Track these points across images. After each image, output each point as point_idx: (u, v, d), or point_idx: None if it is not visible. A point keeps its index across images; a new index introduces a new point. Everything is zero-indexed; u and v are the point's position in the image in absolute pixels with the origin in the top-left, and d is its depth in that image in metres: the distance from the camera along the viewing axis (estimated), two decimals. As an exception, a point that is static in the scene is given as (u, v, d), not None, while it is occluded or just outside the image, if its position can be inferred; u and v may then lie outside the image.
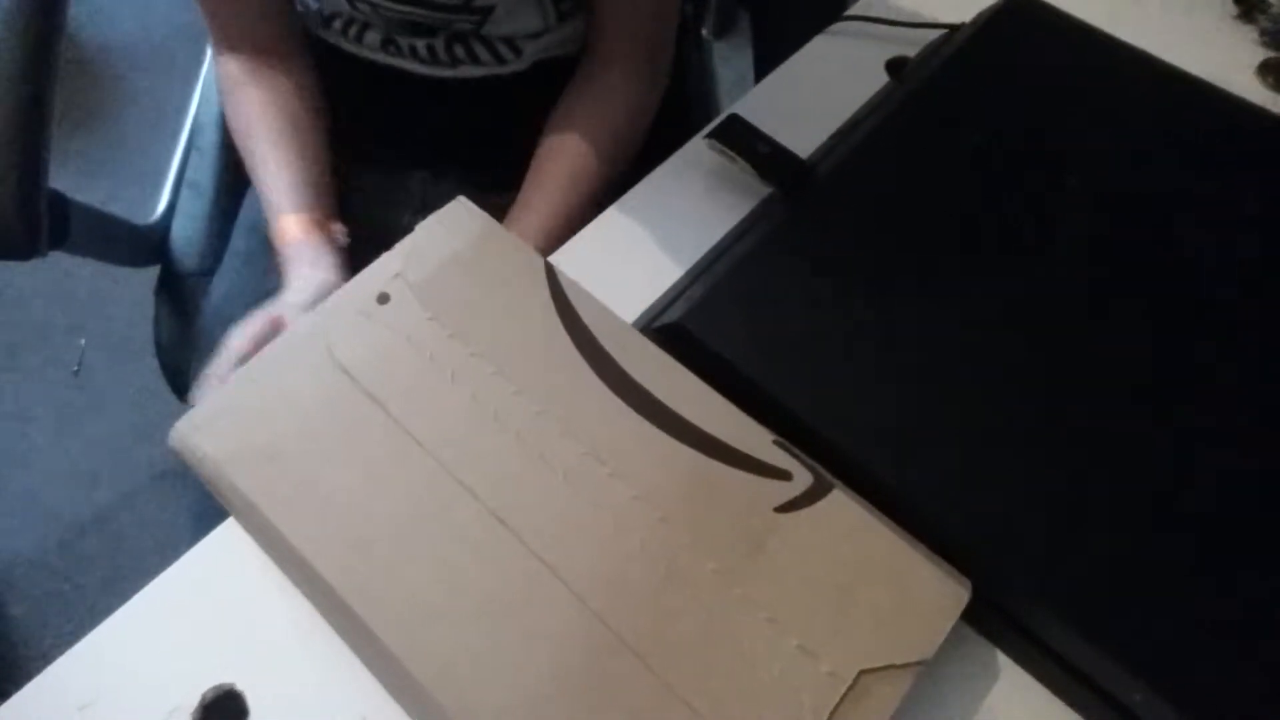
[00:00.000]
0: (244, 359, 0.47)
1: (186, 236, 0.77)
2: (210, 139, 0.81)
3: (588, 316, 0.42)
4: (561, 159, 0.62)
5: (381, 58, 0.65)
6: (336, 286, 0.50)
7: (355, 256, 0.62)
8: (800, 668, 0.33)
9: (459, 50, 0.63)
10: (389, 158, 0.70)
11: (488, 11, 0.60)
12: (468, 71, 0.65)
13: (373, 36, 0.63)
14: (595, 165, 0.62)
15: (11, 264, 0.61)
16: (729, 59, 0.96)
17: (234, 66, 0.63)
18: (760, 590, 0.35)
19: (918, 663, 0.34)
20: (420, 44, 0.63)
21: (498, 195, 0.64)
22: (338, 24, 0.63)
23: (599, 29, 0.63)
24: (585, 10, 0.63)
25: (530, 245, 0.57)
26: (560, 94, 0.65)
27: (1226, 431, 0.39)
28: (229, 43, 0.63)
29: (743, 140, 0.51)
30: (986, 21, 0.54)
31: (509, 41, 0.63)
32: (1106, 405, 0.40)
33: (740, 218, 0.51)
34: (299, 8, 0.65)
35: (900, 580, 0.35)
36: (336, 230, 0.61)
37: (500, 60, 0.65)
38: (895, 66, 0.58)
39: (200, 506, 0.61)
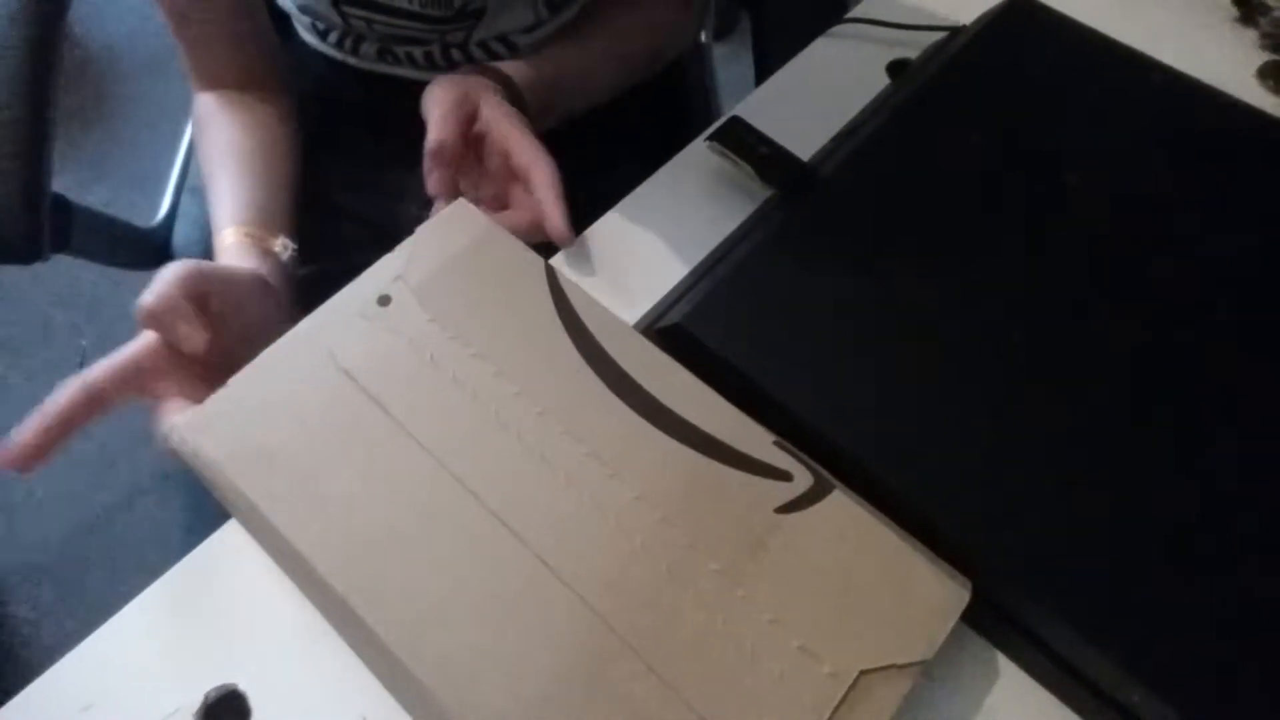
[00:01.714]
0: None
1: (188, 240, 0.77)
2: (212, 142, 0.81)
3: (588, 318, 0.42)
4: (591, 30, 0.63)
5: (380, 68, 0.65)
6: (254, 285, 0.48)
7: (357, 257, 0.62)
8: (801, 668, 0.33)
9: (455, 54, 0.63)
10: (390, 157, 0.70)
11: (479, 15, 0.60)
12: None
13: (369, 48, 0.63)
14: (628, 40, 0.63)
15: (14, 266, 0.61)
16: (729, 61, 0.96)
17: (208, 102, 0.62)
18: (761, 591, 0.35)
19: (918, 663, 0.34)
20: (417, 51, 0.63)
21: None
22: (333, 37, 0.64)
23: None
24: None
25: (542, 71, 0.58)
26: None
27: (1227, 431, 0.39)
28: (208, 77, 0.62)
29: (744, 142, 0.51)
30: (987, 24, 0.54)
31: (503, 39, 0.64)
32: (1107, 407, 0.40)
33: (741, 220, 0.51)
34: (300, 24, 0.65)
35: (901, 581, 0.36)
36: (277, 243, 0.57)
37: (496, 60, 0.65)
38: (896, 69, 0.58)
39: (201, 507, 0.61)
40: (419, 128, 0.71)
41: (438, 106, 0.50)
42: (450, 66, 0.65)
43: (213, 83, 0.62)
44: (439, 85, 0.51)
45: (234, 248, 0.54)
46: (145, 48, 1.67)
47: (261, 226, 0.56)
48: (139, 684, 0.37)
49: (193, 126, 0.65)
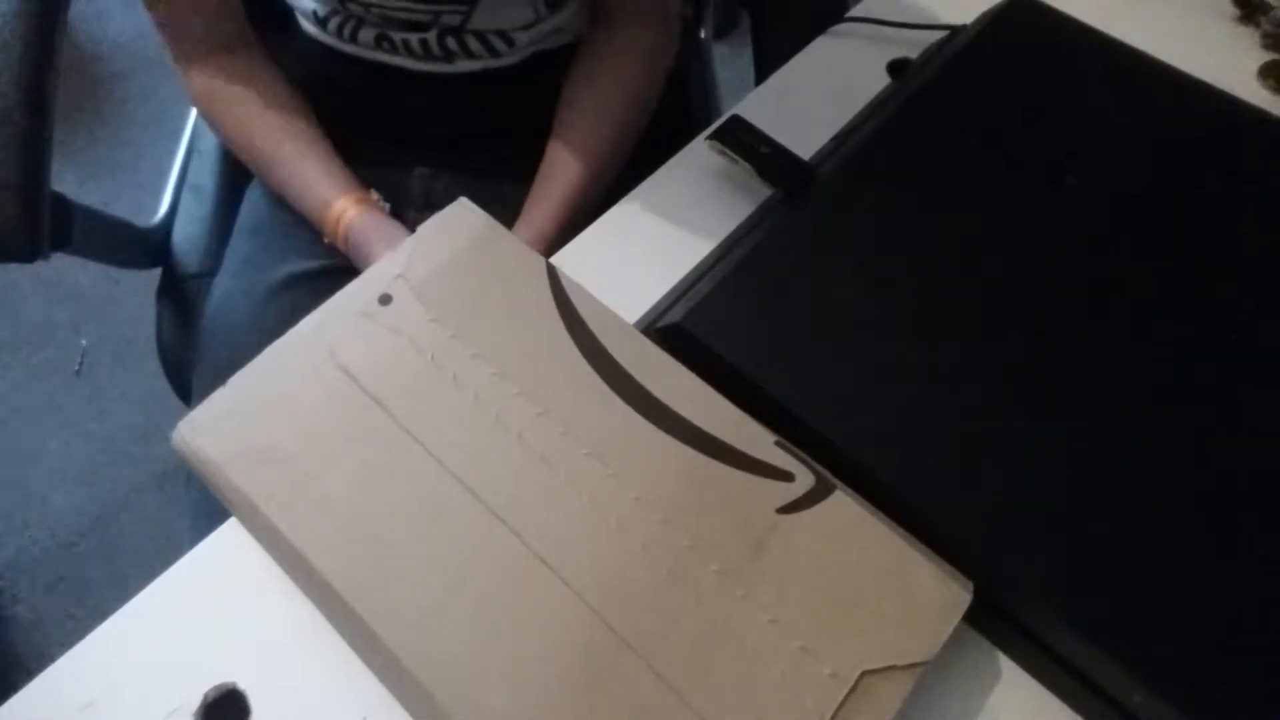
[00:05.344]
0: None
1: (188, 238, 0.77)
2: (212, 141, 0.81)
3: (589, 317, 0.42)
4: (577, 126, 0.63)
5: (377, 55, 0.65)
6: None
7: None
8: (802, 669, 0.33)
9: (451, 43, 0.63)
10: (388, 156, 0.70)
11: (474, 1, 0.60)
12: (463, 66, 0.66)
13: (367, 34, 0.63)
14: (612, 129, 0.63)
15: (13, 265, 0.61)
16: (729, 60, 0.96)
17: (204, 79, 0.63)
18: (762, 591, 0.35)
19: (920, 664, 0.34)
20: (414, 39, 0.63)
21: (500, 184, 0.64)
22: (333, 24, 0.64)
23: None
24: None
25: (552, 220, 0.60)
26: (557, 85, 0.65)
27: (1226, 432, 0.39)
28: (192, 53, 0.62)
29: (744, 141, 0.51)
30: (988, 23, 0.54)
31: (501, 34, 0.64)
32: (1107, 407, 0.40)
33: (742, 219, 0.51)
34: (301, 14, 0.65)
35: (902, 581, 0.36)
36: (376, 198, 0.63)
37: (494, 53, 0.65)
38: (897, 68, 0.58)
39: (202, 506, 0.62)
40: (414, 123, 0.71)
41: None
42: (446, 57, 0.65)
43: (201, 55, 0.62)
44: None
45: (365, 218, 0.60)
46: (145, 48, 1.67)
47: (356, 189, 0.62)
48: (139, 682, 0.37)
49: (197, 107, 0.65)
